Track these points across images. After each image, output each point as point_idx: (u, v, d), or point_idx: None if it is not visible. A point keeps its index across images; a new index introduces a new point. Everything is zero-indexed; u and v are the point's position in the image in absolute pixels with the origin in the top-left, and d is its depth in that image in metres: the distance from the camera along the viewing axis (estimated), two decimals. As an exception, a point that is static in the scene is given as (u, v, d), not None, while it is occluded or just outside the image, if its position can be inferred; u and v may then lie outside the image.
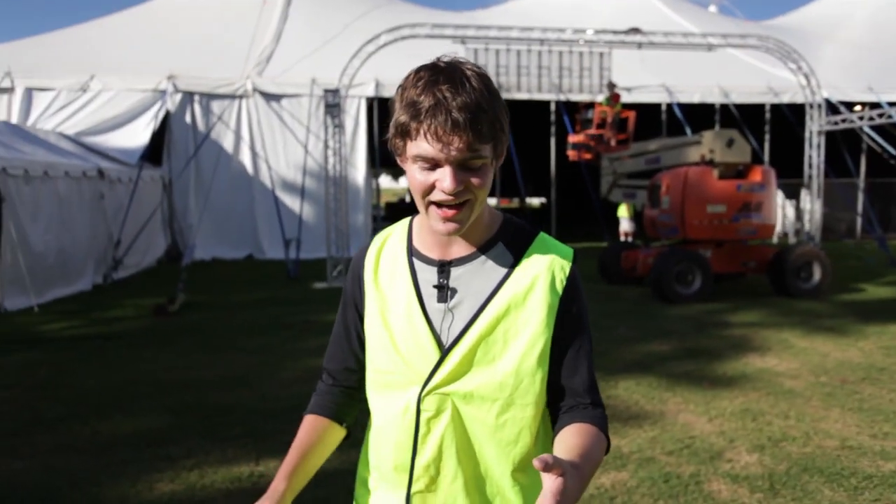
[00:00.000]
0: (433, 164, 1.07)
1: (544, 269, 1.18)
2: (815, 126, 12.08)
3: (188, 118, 14.06)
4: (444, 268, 1.19)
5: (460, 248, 1.20)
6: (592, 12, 20.09)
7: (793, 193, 16.22)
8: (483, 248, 1.20)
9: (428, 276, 1.20)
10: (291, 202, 13.99)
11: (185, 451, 3.95)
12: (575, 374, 1.21)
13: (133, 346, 6.65)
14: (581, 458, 1.04)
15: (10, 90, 13.51)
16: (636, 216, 14.17)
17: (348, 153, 13.44)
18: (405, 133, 1.08)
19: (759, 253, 9.61)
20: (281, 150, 14.43)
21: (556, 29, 11.85)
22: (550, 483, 0.88)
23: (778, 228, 16.89)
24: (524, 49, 13.16)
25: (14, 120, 12.86)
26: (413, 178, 1.10)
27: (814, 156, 12.11)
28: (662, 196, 9.52)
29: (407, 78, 1.09)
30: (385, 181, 37.08)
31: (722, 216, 9.03)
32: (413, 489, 1.20)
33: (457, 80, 1.06)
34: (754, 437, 4.13)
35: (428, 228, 1.19)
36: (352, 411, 1.35)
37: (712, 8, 28.72)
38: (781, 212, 16.57)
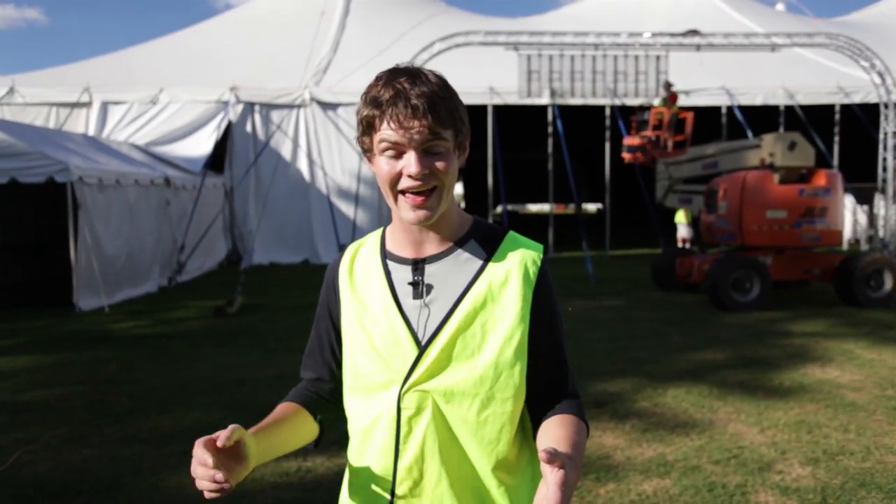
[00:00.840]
0: (398, 152, 1.11)
1: (517, 263, 1.20)
2: (891, 127, 11.53)
3: (249, 128, 14.60)
4: (417, 265, 1.21)
5: (433, 246, 1.21)
6: (649, 14, 19.76)
7: (866, 198, 15.41)
8: (456, 245, 1.22)
9: (402, 274, 1.22)
10: (346, 208, 14.30)
11: (238, 445, 4.15)
12: (550, 365, 1.23)
13: (193, 345, 6.94)
14: (573, 450, 1.07)
15: (88, 104, 14.41)
16: (694, 222, 13.82)
17: (402, 160, 13.65)
18: (370, 126, 1.12)
19: (825, 260, 9.23)
20: (336, 157, 14.78)
21: (611, 33, 11.77)
22: (553, 475, 0.91)
23: (848, 235, 16.15)
24: (578, 54, 13.07)
25: (91, 132, 13.69)
26: (381, 170, 1.13)
27: (889, 158, 11.56)
28: (720, 201, 9.28)
29: (369, 84, 1.15)
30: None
31: (783, 222, 8.73)
32: (397, 493, 1.18)
33: (414, 75, 1.12)
34: (808, 449, 3.99)
35: (400, 229, 1.22)
36: (325, 411, 1.33)
37: (780, 6, 27.68)
38: (853, 217, 15.84)
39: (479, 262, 1.21)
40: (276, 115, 14.69)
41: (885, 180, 11.65)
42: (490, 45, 11.34)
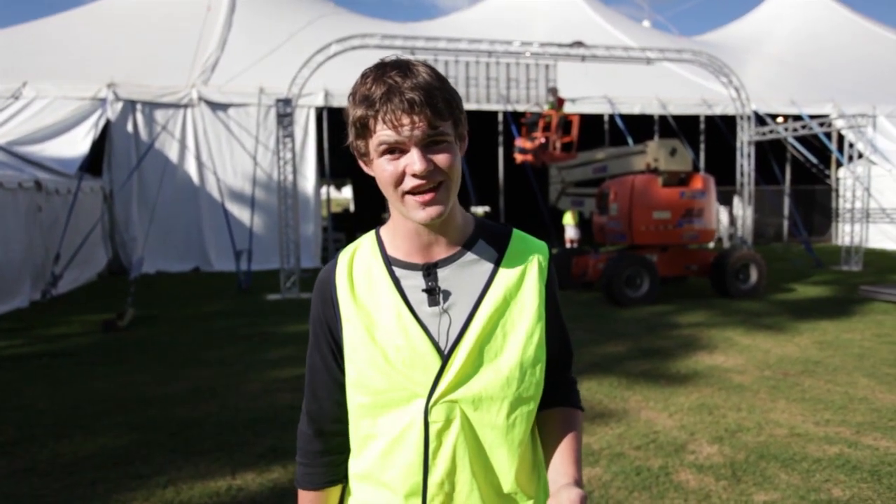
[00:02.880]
0: (399, 151, 1.05)
1: (529, 262, 1.19)
2: (746, 136, 12.75)
3: (130, 127, 13.58)
4: (429, 270, 1.14)
5: (442, 249, 1.16)
6: (535, 26, 20.60)
7: (726, 200, 16.96)
8: (465, 247, 1.17)
9: (413, 281, 1.15)
10: (240, 213, 13.70)
11: (156, 467, 3.84)
12: (563, 351, 1.28)
13: (83, 364, 6.37)
14: (576, 462, 1.17)
15: (-65, 98, 12.77)
16: (582, 223, 14.59)
17: (298, 163, 13.28)
18: (364, 127, 1.06)
19: (701, 256, 10.02)
20: (228, 160, 14.13)
21: (504, 41, 12.13)
22: None
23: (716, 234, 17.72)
24: (472, 60, 13.37)
25: (-61, 129, 12.13)
26: (382, 172, 1.07)
27: (745, 164, 12.77)
28: (610, 203, 9.83)
29: (355, 83, 1.08)
30: (332, 192, 36.65)
31: (667, 222, 9.37)
32: None
33: (404, 68, 1.05)
34: (712, 429, 4.35)
35: (404, 233, 1.15)
36: (344, 464, 1.26)
37: (646, 23, 29.87)
38: (717, 217, 17.40)
39: (491, 263, 1.17)
40: (160, 115, 13.78)
41: (742, 184, 12.86)
42: (387, 48, 11.29)
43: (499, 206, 17.03)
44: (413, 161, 1.03)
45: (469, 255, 1.16)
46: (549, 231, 14.26)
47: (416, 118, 1.02)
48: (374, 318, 1.14)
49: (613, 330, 7.66)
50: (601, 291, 9.42)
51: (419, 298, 1.14)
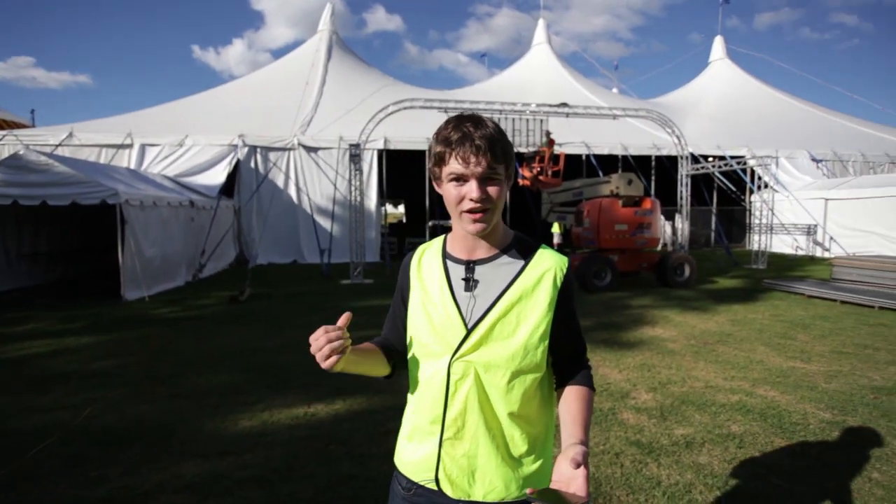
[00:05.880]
0: (463, 180, 1.05)
1: (548, 270, 1.14)
2: (684, 171, 12.36)
3: (252, 164, 13.88)
4: (469, 265, 1.14)
5: (482, 251, 1.14)
6: (534, 92, 20.33)
7: (669, 216, 16.54)
8: (501, 252, 1.15)
9: (457, 272, 1.15)
10: (324, 223, 13.88)
11: (258, 398, 3.92)
12: (573, 343, 1.19)
13: (216, 325, 6.55)
14: (584, 427, 1.07)
15: (130, 146, 13.33)
16: (565, 232, 14.37)
17: (364, 188, 13.43)
18: (440, 160, 1.06)
19: (649, 257, 9.77)
20: (317, 186, 14.32)
21: (510, 103, 12.03)
22: (581, 472, 0.91)
23: (660, 241, 17.25)
24: (487, 116, 13.24)
25: (132, 167, 12.64)
26: (448, 194, 1.07)
27: (683, 191, 12.38)
28: (584, 218, 9.66)
29: (439, 127, 1.08)
30: (389, 208, 36.90)
31: (625, 232, 9.16)
32: (444, 436, 1.12)
33: (477, 121, 1.06)
34: (649, 382, 4.24)
35: (459, 237, 1.15)
36: (395, 359, 1.24)
37: (614, 90, 29.26)
38: (662, 229, 16.94)
39: (518, 268, 1.14)
40: (272, 156, 14.05)
41: (681, 205, 12.48)
42: (427, 108, 11.31)
43: (505, 219, 16.86)
44: (472, 190, 1.04)
45: (502, 259, 1.14)
46: (540, 237, 14.04)
47: (479, 159, 1.02)
48: (429, 292, 1.16)
49: (583, 310, 7.50)
50: (576, 282, 9.25)
51: (459, 284, 1.14)
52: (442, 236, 1.25)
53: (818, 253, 14.68)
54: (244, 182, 13.81)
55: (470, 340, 1.10)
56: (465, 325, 1.11)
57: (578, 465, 0.92)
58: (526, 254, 1.16)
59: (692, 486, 2.63)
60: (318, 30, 21.67)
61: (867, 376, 4.31)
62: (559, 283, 1.14)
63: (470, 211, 1.06)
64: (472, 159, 1.03)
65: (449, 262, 1.17)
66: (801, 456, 2.94)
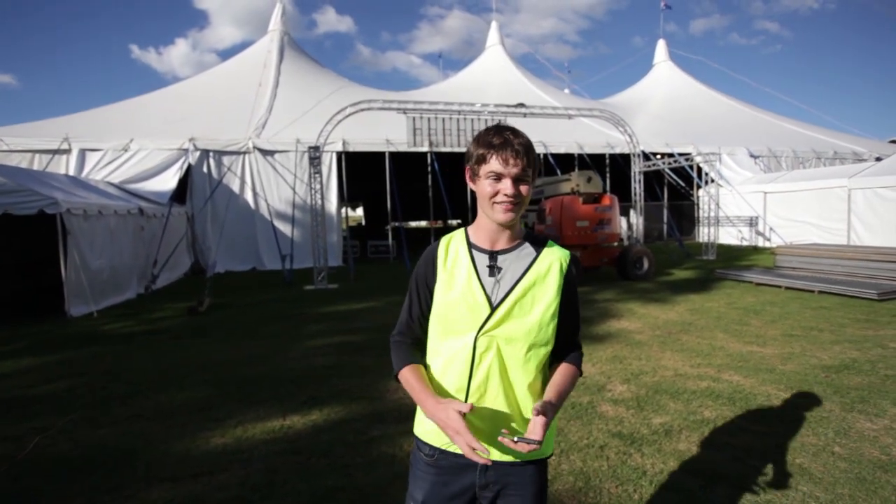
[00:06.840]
0: (499, 178, 1.23)
1: (555, 260, 1.34)
2: (636, 168, 12.85)
3: (205, 169, 13.23)
4: (493, 255, 1.32)
5: (503, 243, 1.32)
6: (490, 92, 20.55)
7: (624, 212, 17.15)
8: (518, 244, 1.34)
9: (482, 260, 1.32)
10: (284, 228, 13.44)
11: (228, 413, 3.72)
12: (570, 324, 1.37)
13: (175, 338, 6.18)
14: (558, 397, 1.26)
15: (67, 151, 12.33)
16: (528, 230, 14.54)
17: (324, 192, 13.12)
18: (482, 159, 1.25)
19: (610, 252, 10.01)
20: (275, 190, 13.84)
21: (469, 104, 12.08)
22: (539, 419, 1.14)
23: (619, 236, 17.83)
24: (447, 117, 13.28)
25: (71, 174, 11.70)
26: (485, 188, 1.25)
27: (637, 188, 12.88)
28: (547, 216, 9.82)
29: (480, 133, 1.28)
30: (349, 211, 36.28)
31: (587, 229, 9.36)
32: (469, 400, 1.28)
33: (515, 131, 1.26)
34: (622, 374, 4.34)
35: (484, 229, 1.32)
36: (415, 356, 1.39)
37: (566, 90, 30.08)
38: (620, 224, 17.52)
39: (532, 257, 1.32)
40: (226, 160, 13.45)
41: (635, 201, 12.97)
42: (386, 109, 11.16)
43: (467, 219, 16.98)
44: (507, 187, 1.24)
45: (520, 249, 1.33)
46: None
47: (517, 161, 1.22)
48: (455, 279, 1.31)
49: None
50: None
51: (484, 270, 1.31)
52: (461, 229, 1.40)
53: (760, 243, 15.65)
54: (197, 188, 13.14)
55: (494, 317, 1.27)
56: (491, 304, 1.28)
57: (538, 413, 1.13)
58: (538, 246, 1.35)
59: (676, 473, 2.70)
60: (269, 30, 20.96)
61: (816, 356, 4.62)
62: (564, 272, 1.34)
63: (503, 202, 1.25)
64: (511, 161, 1.22)
65: (474, 251, 1.33)
66: (770, 436, 3.09)
